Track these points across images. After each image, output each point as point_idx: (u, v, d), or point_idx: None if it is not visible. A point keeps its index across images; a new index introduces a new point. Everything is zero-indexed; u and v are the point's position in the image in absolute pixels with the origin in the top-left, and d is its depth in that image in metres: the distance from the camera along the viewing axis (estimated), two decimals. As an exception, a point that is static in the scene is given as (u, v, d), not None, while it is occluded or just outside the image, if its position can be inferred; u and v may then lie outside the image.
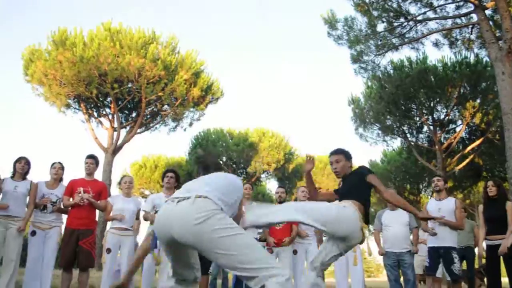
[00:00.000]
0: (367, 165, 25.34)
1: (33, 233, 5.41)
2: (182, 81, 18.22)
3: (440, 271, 5.70)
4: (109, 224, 5.98)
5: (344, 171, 3.74)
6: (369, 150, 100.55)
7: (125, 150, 28.99)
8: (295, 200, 6.95)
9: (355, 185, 3.56)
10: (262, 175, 25.90)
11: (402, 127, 18.67)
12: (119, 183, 6.10)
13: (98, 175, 17.84)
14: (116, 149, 18.73)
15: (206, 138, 24.66)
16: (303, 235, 6.22)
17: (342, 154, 3.80)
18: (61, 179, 5.79)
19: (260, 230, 6.56)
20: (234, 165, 25.25)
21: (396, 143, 20.20)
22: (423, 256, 8.17)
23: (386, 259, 5.88)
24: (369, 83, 17.70)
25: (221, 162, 25.37)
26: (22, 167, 5.44)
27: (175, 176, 5.94)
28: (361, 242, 3.47)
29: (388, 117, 18.31)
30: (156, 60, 17.45)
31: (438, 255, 5.40)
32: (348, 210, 3.34)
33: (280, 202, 6.38)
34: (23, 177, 5.50)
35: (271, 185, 32.63)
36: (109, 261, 5.59)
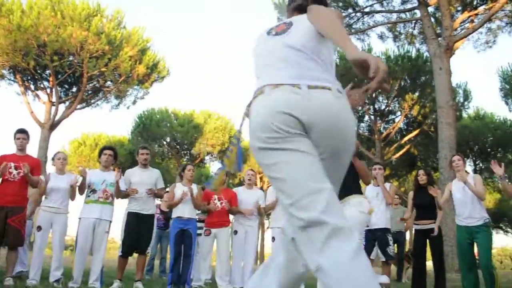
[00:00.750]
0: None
1: None
2: (127, 57, 17.68)
3: (374, 253, 5.96)
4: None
5: None
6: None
7: (64, 126, 27.83)
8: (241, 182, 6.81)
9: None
10: (206, 157, 25.80)
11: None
12: (53, 159, 5.84)
13: (34, 151, 17.08)
14: (53, 125, 17.96)
15: (150, 118, 24.15)
16: (248, 213, 6.19)
17: None
18: None
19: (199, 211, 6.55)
20: (178, 146, 24.96)
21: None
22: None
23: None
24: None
25: (164, 143, 25.02)
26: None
27: (113, 154, 5.80)
28: None
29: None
30: (100, 34, 16.79)
31: (374, 237, 5.71)
32: None
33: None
34: None
35: (215, 167, 32.59)
36: (39, 240, 5.39)
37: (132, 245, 5.66)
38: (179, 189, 5.98)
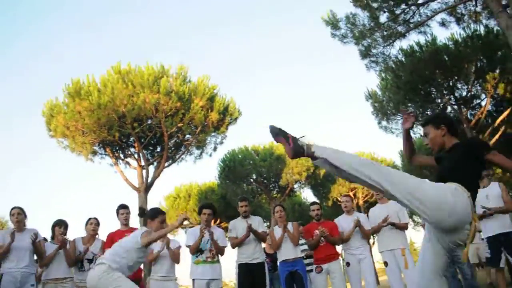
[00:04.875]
0: (399, 156, 24.94)
1: None
2: (199, 108, 18.33)
3: (503, 261, 5.42)
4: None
5: (437, 144, 2.94)
6: (398, 141, 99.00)
7: (157, 186, 29.25)
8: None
9: (462, 164, 2.71)
10: (295, 186, 25.69)
11: (425, 112, 18.25)
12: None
13: (135, 214, 18.04)
14: (147, 187, 18.89)
15: (233, 159, 24.66)
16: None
17: (428, 125, 3.01)
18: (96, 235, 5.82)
19: (305, 247, 6.45)
20: (265, 181, 25.13)
21: (422, 129, 19.78)
22: (476, 244, 7.88)
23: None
24: (383, 75, 17.43)
25: (251, 180, 25.31)
26: (62, 232, 5.46)
27: (213, 212, 5.95)
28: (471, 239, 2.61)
29: (409, 104, 17.97)
30: (170, 93, 17.61)
31: (498, 243, 5.17)
32: (460, 194, 2.52)
33: (318, 220, 6.24)
34: None
35: (306, 194, 32.42)
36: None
37: (249, 297, 5.68)
38: (277, 231, 5.96)
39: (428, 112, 18.41)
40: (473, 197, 2.61)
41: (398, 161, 26.18)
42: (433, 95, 17.46)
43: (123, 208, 5.86)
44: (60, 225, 5.51)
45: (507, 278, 5.91)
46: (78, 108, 16.71)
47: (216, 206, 22.06)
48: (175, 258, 5.84)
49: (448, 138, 2.92)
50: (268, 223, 30.43)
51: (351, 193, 28.00)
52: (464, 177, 2.61)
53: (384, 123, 19.06)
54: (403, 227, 6.01)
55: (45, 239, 5.74)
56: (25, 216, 5.37)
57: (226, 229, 23.29)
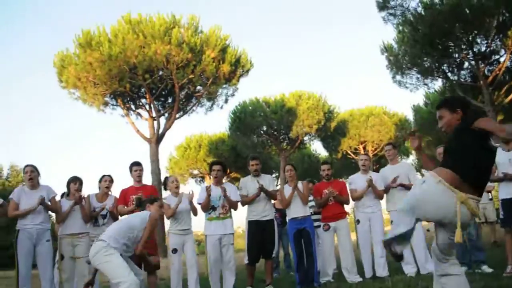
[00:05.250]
0: (411, 111, 24.70)
1: None
2: (210, 60, 18.15)
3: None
4: (167, 225, 6.12)
5: (452, 127, 2.97)
6: (411, 96, 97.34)
7: (168, 138, 29.47)
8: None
9: (454, 145, 2.85)
10: (305, 138, 25.75)
11: (442, 66, 17.89)
12: (164, 183, 6.16)
13: (146, 164, 18.38)
14: (159, 138, 19.10)
15: (244, 111, 24.63)
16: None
17: (444, 108, 3.02)
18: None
19: (314, 203, 6.56)
20: (275, 133, 25.20)
21: (437, 84, 19.46)
22: (483, 203, 7.97)
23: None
24: (401, 28, 16.96)
25: (261, 132, 25.41)
26: (77, 188, 5.60)
27: (223, 168, 6.02)
28: (471, 220, 2.80)
29: (426, 59, 17.57)
30: (181, 44, 17.41)
31: None
32: (427, 185, 2.71)
33: (327, 180, 6.31)
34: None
35: (316, 146, 32.48)
36: (176, 261, 5.75)
37: (258, 252, 5.87)
38: (287, 189, 6.07)
39: (444, 67, 18.06)
40: (473, 177, 2.71)
41: (410, 116, 25.99)
42: (451, 50, 17.02)
43: (136, 165, 5.95)
44: (75, 182, 5.64)
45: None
46: (89, 59, 16.65)
47: (226, 156, 22.53)
48: (195, 211, 6.00)
49: (459, 122, 2.93)
50: (277, 174, 30.83)
51: (361, 146, 28.09)
52: (454, 160, 2.75)
53: (398, 77, 18.75)
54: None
55: (63, 195, 5.90)
56: (38, 173, 5.50)
57: (236, 179, 23.80)
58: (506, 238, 5.11)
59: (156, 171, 18.66)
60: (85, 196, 5.68)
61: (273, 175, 33.24)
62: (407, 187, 5.95)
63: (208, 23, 31.16)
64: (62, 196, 5.87)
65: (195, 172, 31.23)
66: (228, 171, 29.80)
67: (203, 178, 31.17)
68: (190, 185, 32.30)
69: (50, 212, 5.78)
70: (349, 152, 28.61)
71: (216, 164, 6.12)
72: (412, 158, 33.00)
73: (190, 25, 18.32)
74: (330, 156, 29.97)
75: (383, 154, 27.84)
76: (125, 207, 5.67)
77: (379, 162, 26.94)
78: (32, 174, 5.41)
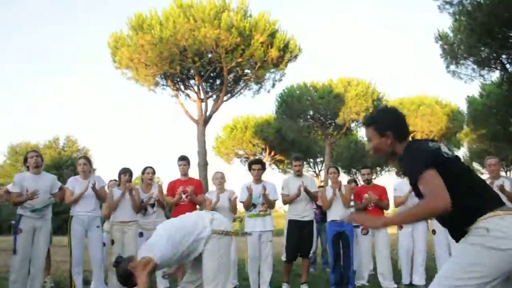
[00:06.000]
0: (465, 103, 23.73)
1: (141, 234, 5.95)
2: (259, 44, 18.16)
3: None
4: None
5: (383, 153, 2.34)
6: (465, 87, 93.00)
7: (215, 119, 29.97)
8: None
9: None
10: (352, 125, 25.46)
11: (500, 57, 17.07)
12: (213, 178, 6.39)
13: (194, 146, 18.89)
14: (206, 120, 19.47)
15: (291, 95, 24.61)
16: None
17: (371, 128, 2.34)
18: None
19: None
20: (322, 118, 25.05)
21: (494, 76, 18.62)
22: None
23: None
24: (457, 16, 16.26)
25: (308, 117, 25.32)
26: (127, 179, 5.91)
27: (262, 167, 6.16)
28: None
29: (483, 48, 16.82)
30: (231, 28, 17.48)
31: None
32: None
33: (368, 184, 6.32)
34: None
35: (363, 133, 31.98)
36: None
37: (295, 251, 6.01)
38: (329, 191, 6.13)
39: (503, 58, 17.23)
40: (486, 203, 1.98)
41: (464, 107, 25.06)
42: (511, 40, 16.20)
43: (181, 160, 6.21)
44: (125, 173, 5.94)
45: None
46: (141, 42, 17.09)
47: (271, 139, 22.87)
48: (234, 209, 6.20)
49: (396, 146, 2.27)
50: (321, 159, 30.71)
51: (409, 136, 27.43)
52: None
53: (452, 67, 18.08)
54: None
55: (116, 180, 6.25)
56: (91, 165, 5.91)
57: (280, 162, 24.13)
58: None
59: (202, 152, 19.11)
60: (134, 188, 6.00)
61: (318, 160, 33.22)
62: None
63: (257, 8, 31.01)
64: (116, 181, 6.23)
65: (241, 152, 31.68)
66: (273, 152, 30.14)
67: (247, 158, 31.59)
68: (235, 164, 32.82)
69: None
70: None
71: (255, 163, 6.26)
72: (463, 150, 31.95)
73: (239, 9, 18.34)
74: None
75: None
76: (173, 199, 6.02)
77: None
78: (85, 167, 5.82)
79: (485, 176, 6.33)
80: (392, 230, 8.75)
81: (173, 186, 6.19)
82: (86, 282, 5.96)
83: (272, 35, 18.74)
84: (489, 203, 1.98)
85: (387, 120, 2.30)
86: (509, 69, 17.37)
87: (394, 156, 2.32)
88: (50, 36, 70.57)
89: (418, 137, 27.13)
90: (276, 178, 30.92)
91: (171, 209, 6.28)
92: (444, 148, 2.15)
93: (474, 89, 34.16)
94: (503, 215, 1.91)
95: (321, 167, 31.82)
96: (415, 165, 2.05)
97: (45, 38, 72.57)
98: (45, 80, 74.19)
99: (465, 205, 1.96)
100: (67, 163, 35.74)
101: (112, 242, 5.85)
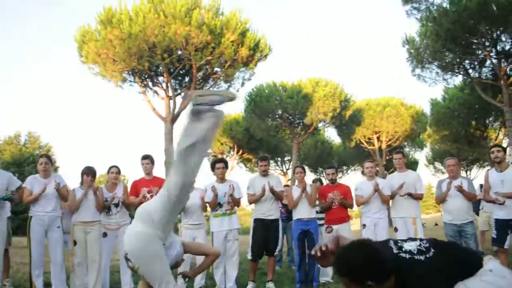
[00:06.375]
0: (428, 105, 24.37)
1: (104, 234, 5.86)
2: (229, 43, 18.11)
3: (508, 243, 5.55)
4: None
5: None
6: (429, 90, 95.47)
7: (183, 117, 29.66)
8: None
9: None
10: (320, 125, 25.75)
11: (463, 63, 17.68)
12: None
13: (161, 143, 18.69)
14: (174, 118, 19.28)
15: (260, 94, 24.68)
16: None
17: (348, 279, 2.08)
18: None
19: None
20: (290, 117, 25.24)
21: (456, 80, 19.27)
22: (488, 212, 8.02)
23: (447, 229, 5.85)
24: (424, 22, 16.73)
25: (276, 116, 25.46)
26: (90, 179, 5.81)
27: (226, 165, 6.29)
28: None
29: (447, 53, 17.40)
30: (201, 26, 17.36)
31: (506, 227, 5.28)
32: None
33: (332, 183, 6.43)
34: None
35: (330, 133, 32.39)
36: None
37: (261, 249, 6.06)
38: (295, 190, 6.22)
39: (466, 64, 17.79)
40: None
41: (427, 109, 25.78)
42: (474, 46, 16.77)
43: (144, 159, 6.15)
44: (88, 174, 5.84)
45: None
46: (110, 36, 16.76)
47: (239, 137, 22.84)
48: (205, 208, 6.19)
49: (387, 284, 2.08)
50: (289, 157, 30.95)
51: (375, 136, 28.00)
52: None
53: (418, 70, 18.63)
54: (418, 198, 6.20)
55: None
56: (52, 164, 5.81)
57: (247, 160, 24.13)
58: (500, 258, 5.21)
59: (170, 150, 18.92)
60: (98, 187, 5.91)
61: (285, 158, 33.46)
62: (414, 197, 6.07)
63: (228, 6, 30.95)
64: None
65: (208, 151, 31.52)
66: (241, 151, 30.16)
67: (215, 157, 31.48)
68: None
69: None
70: (362, 141, 28.54)
71: (219, 162, 6.29)
72: (426, 151, 32.84)
73: (211, 7, 18.23)
74: (343, 143, 29.99)
75: (397, 145, 27.70)
76: (136, 198, 5.92)
77: (391, 153, 26.91)
78: (46, 166, 5.72)
79: (445, 176, 6.58)
80: (355, 227, 8.92)
81: (136, 185, 6.10)
82: (47, 284, 5.81)
83: (243, 34, 18.73)
84: None
85: (363, 269, 2.01)
86: (472, 74, 17.98)
87: None
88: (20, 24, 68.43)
89: (383, 138, 27.73)
90: (243, 177, 31.02)
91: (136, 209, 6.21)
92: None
93: (437, 92, 35.20)
94: None
95: (289, 165, 32.07)
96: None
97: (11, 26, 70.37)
98: (6, 72, 72.03)
99: None
100: (28, 160, 34.61)
101: (75, 243, 5.74)
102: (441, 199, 5.93)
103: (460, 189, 5.59)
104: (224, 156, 28.89)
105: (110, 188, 6.03)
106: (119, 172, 6.15)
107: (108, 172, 6.13)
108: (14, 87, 74.14)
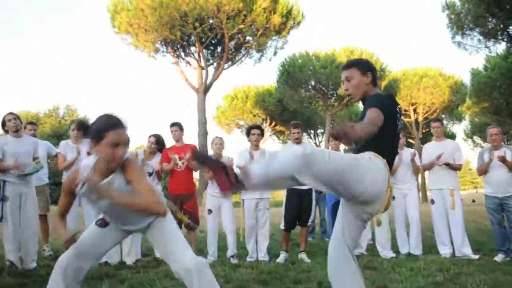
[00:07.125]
0: (469, 75, 23.48)
1: None
2: (261, 10, 17.79)
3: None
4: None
5: (360, 92, 2.59)
6: (469, 59, 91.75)
7: (215, 88, 29.72)
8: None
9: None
10: (354, 96, 25.18)
11: (507, 29, 16.73)
12: (212, 143, 6.24)
13: (194, 113, 18.73)
14: (206, 88, 19.25)
15: (293, 64, 24.23)
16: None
17: (354, 68, 2.59)
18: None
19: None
20: (323, 88, 24.76)
21: (499, 48, 18.31)
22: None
23: (489, 202, 5.56)
24: (466, -15, 15.88)
25: (309, 87, 25.02)
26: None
27: (261, 132, 6.01)
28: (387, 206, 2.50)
29: (490, 19, 16.50)
30: (233, -7, 17.10)
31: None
32: (375, 162, 2.35)
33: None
34: None
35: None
36: (211, 222, 5.91)
37: (294, 219, 5.93)
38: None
39: (510, 30, 16.88)
40: (389, 163, 2.46)
41: (467, 80, 24.73)
42: (519, 11, 15.86)
43: (172, 126, 6.04)
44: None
45: None
46: (141, 5, 16.72)
47: (272, 109, 22.63)
48: None
49: (371, 87, 2.59)
50: (322, 130, 30.57)
51: (411, 108, 27.21)
52: (375, 141, 2.31)
53: (458, 37, 17.78)
54: (456, 168, 5.90)
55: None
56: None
57: (280, 133, 23.96)
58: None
59: (202, 120, 18.97)
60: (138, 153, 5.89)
61: (318, 131, 33.09)
62: (452, 167, 5.77)
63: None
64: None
65: (241, 122, 31.49)
66: (274, 123, 29.97)
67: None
68: (235, 134, 32.68)
69: None
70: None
71: (255, 128, 6.11)
72: (465, 124, 31.76)
73: (242, -26, 17.88)
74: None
75: (434, 118, 26.95)
76: (169, 165, 5.87)
77: (428, 125, 26.16)
78: (78, 133, 5.66)
79: (486, 146, 6.24)
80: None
81: (167, 153, 6.05)
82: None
83: (275, 0, 18.32)
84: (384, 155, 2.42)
85: (368, 62, 2.67)
86: (516, 41, 17.07)
87: (363, 99, 2.60)
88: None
89: (420, 110, 26.94)
90: (276, 149, 30.90)
91: (167, 175, 6.17)
92: (399, 111, 2.57)
93: (478, 61, 33.80)
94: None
95: (322, 138, 31.72)
96: (374, 101, 2.43)
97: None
98: (45, 47, 73.58)
99: (374, 146, 2.40)
100: (67, 133, 35.64)
101: None
102: (482, 170, 5.61)
103: (503, 159, 5.26)
104: (257, 128, 28.77)
105: (148, 156, 5.99)
106: (155, 142, 6.05)
107: (148, 141, 6.07)
108: (52, 61, 75.81)
